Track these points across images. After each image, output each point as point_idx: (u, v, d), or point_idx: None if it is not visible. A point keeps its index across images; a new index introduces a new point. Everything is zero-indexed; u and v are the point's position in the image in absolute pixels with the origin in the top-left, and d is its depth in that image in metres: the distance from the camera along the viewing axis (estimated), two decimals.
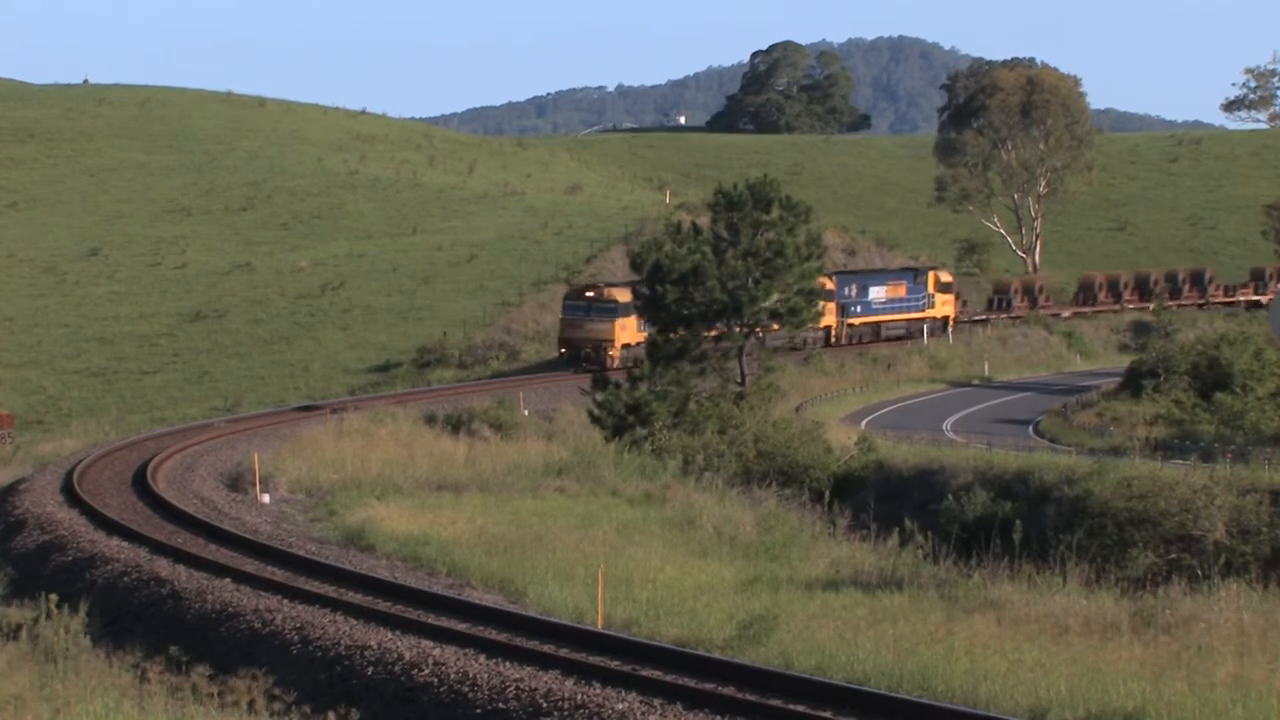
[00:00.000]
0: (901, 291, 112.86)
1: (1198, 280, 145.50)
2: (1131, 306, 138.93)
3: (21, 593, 34.12)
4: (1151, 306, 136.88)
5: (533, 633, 27.53)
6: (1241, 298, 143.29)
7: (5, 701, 22.04)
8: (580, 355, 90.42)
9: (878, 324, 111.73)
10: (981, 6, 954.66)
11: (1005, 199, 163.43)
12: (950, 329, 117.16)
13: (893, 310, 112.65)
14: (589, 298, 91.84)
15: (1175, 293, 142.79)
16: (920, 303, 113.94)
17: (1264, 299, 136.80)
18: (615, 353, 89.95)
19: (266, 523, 42.15)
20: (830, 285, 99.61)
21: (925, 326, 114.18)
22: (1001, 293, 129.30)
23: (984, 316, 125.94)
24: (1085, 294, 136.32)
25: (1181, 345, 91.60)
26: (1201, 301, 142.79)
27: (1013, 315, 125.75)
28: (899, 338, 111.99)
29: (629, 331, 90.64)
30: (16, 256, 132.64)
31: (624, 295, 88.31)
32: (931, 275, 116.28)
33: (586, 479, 49.29)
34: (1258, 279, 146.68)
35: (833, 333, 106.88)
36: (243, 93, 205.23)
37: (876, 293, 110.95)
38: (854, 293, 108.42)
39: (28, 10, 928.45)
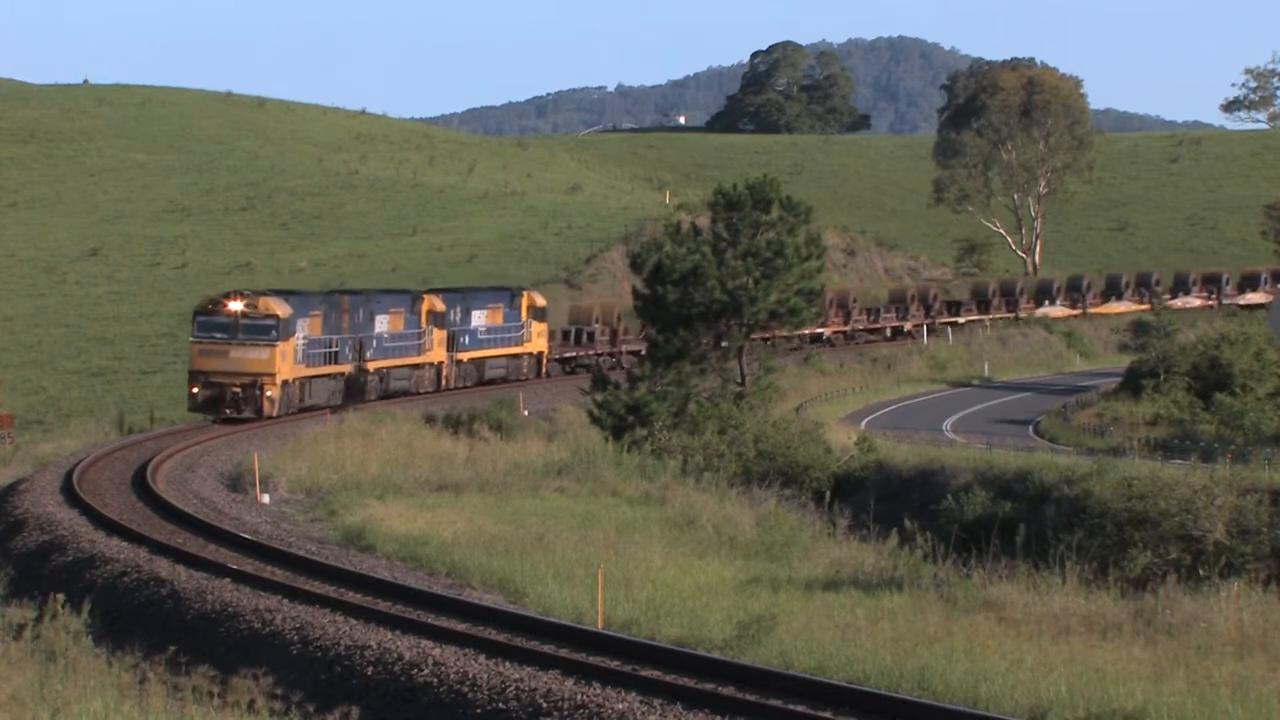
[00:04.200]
0: (499, 319, 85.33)
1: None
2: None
3: (21, 593, 34.09)
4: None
5: (533, 633, 27.53)
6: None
7: (5, 701, 22.03)
8: (225, 398, 66.36)
9: (483, 360, 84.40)
10: (981, 6, 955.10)
11: (1005, 199, 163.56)
12: (544, 370, 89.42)
13: (496, 343, 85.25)
14: (235, 312, 66.48)
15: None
16: (518, 334, 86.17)
17: None
18: (274, 392, 66.27)
19: (266, 523, 42.16)
20: (440, 306, 79.81)
21: (524, 366, 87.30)
22: (581, 322, 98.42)
23: (570, 354, 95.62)
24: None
25: (1181, 345, 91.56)
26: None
27: (596, 353, 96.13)
28: (501, 380, 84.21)
29: (290, 362, 67.35)
30: (16, 256, 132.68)
31: (284, 308, 67.05)
32: (525, 297, 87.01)
33: (586, 479, 49.30)
34: None
35: (441, 373, 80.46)
36: (243, 93, 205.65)
37: (478, 319, 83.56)
38: (459, 318, 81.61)
39: (28, 10, 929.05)
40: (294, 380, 67.68)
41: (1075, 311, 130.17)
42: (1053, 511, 47.49)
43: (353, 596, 30.84)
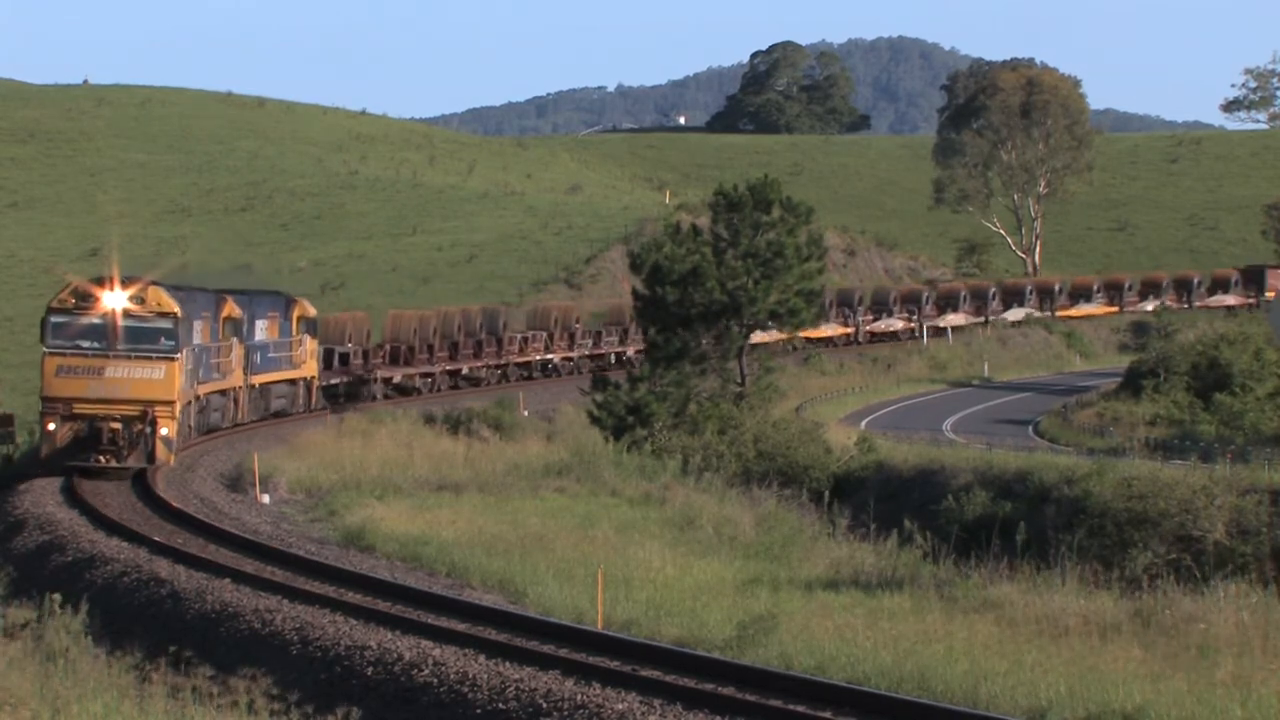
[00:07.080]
0: (277, 332, 64.20)
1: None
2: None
3: (21, 593, 34.08)
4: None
5: (533, 633, 27.52)
6: None
7: (5, 701, 22.04)
8: (99, 438, 47.07)
9: (269, 386, 63.73)
10: (981, 6, 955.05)
11: (1005, 199, 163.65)
12: (314, 400, 68.61)
13: (279, 365, 64.82)
14: (112, 311, 46.96)
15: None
16: (294, 353, 66.18)
17: None
18: (170, 429, 47.33)
19: (266, 523, 42.14)
20: (237, 313, 57.49)
21: (300, 394, 67.28)
22: (332, 341, 76.68)
23: (335, 380, 75.56)
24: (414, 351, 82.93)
25: (1181, 345, 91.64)
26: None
27: (349, 379, 76.97)
28: (281, 414, 64.99)
29: (186, 383, 48.77)
30: (16, 257, 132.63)
31: (178, 305, 48.11)
32: (298, 306, 66.57)
33: (586, 479, 49.31)
34: None
35: (239, 403, 59.56)
36: (243, 93, 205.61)
37: (261, 331, 62.10)
38: (248, 329, 59.80)
39: (28, 10, 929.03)
40: (191, 402, 50.32)
41: (784, 336, 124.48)
42: (1053, 511, 47.52)
43: (353, 596, 30.83)
